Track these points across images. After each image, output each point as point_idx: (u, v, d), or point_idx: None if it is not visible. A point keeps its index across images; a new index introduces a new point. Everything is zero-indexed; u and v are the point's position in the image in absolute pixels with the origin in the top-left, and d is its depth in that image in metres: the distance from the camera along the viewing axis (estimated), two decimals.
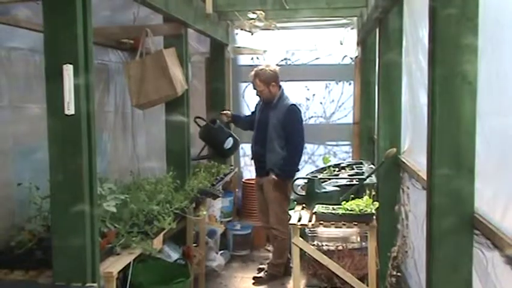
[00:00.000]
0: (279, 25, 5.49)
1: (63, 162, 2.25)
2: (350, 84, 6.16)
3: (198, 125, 4.98)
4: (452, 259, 1.98)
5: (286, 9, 4.93)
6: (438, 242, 1.99)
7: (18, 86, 3.14)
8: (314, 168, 5.26)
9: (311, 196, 3.65)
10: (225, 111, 5.27)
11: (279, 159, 4.71)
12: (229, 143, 4.97)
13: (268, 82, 4.76)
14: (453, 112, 1.95)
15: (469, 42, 1.92)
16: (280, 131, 4.72)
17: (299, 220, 3.46)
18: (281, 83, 4.87)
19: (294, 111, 4.78)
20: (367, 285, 3.45)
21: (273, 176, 4.70)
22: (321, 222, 3.39)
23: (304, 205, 3.76)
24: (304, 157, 6.32)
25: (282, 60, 6.31)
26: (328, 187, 3.70)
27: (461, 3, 1.92)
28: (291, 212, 3.67)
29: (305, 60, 6.27)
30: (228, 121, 5.19)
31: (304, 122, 4.92)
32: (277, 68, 4.85)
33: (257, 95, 4.93)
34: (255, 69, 4.85)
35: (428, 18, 2.05)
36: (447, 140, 1.97)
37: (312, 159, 6.35)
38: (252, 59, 6.34)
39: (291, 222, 3.46)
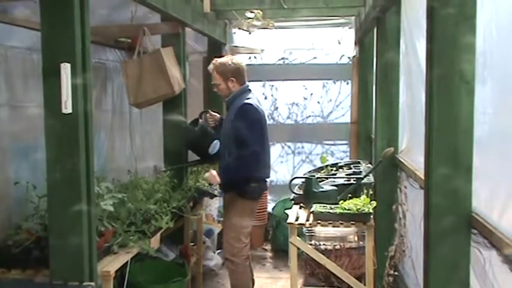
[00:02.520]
0: (276, 24, 5.48)
1: (61, 161, 2.25)
2: (348, 83, 6.16)
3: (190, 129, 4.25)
4: (450, 258, 1.98)
5: (284, 8, 4.92)
6: (436, 242, 1.99)
7: (15, 84, 3.13)
8: (311, 168, 5.27)
9: (308, 195, 3.64)
10: (213, 113, 4.29)
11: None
12: (215, 147, 4.13)
13: (226, 76, 3.90)
14: (451, 111, 1.95)
15: (467, 42, 1.92)
16: (231, 136, 3.80)
17: (296, 219, 3.46)
18: (247, 83, 3.98)
19: (244, 111, 3.77)
20: (365, 285, 3.45)
21: (236, 198, 3.86)
22: (319, 221, 3.39)
23: (301, 204, 3.76)
24: (301, 156, 6.38)
25: (280, 60, 6.32)
26: (326, 186, 3.70)
27: (460, 2, 1.92)
28: (288, 212, 3.66)
29: (303, 60, 6.27)
30: (214, 125, 4.23)
31: (260, 125, 3.85)
32: (243, 63, 4.02)
33: (214, 90, 4.06)
34: (215, 59, 4.05)
35: (427, 17, 2.05)
36: (445, 139, 1.97)
37: (310, 158, 6.36)
38: (249, 58, 6.34)
39: (288, 221, 3.45)
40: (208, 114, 4.30)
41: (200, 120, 4.26)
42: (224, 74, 3.92)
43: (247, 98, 3.85)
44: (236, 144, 3.75)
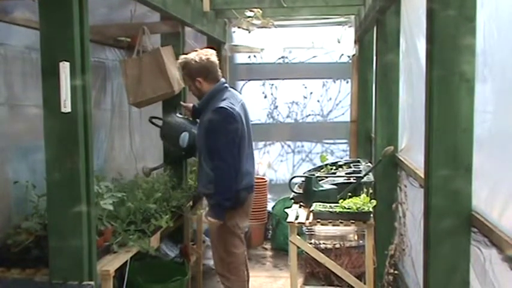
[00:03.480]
0: (276, 23, 5.49)
1: (60, 160, 2.25)
2: (347, 82, 6.17)
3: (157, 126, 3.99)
4: (450, 258, 1.98)
5: (284, 7, 4.91)
6: (436, 241, 1.99)
7: (14, 83, 3.13)
8: (311, 167, 5.27)
9: (308, 194, 3.64)
10: (185, 104, 3.96)
11: (207, 183, 3.47)
12: (184, 140, 3.76)
13: (192, 77, 3.50)
14: (451, 111, 1.95)
15: (467, 43, 1.92)
16: (203, 143, 3.47)
17: (296, 218, 3.46)
18: (222, 79, 3.58)
19: (218, 114, 3.37)
20: (365, 283, 3.45)
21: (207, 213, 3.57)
22: (318, 220, 3.38)
23: (301, 203, 3.76)
24: (301, 155, 6.38)
25: (280, 59, 6.32)
26: (326, 185, 3.69)
27: (459, 4, 1.92)
28: (288, 210, 3.65)
29: (302, 58, 6.27)
30: (188, 116, 3.91)
31: (235, 131, 3.38)
32: (211, 57, 3.53)
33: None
34: (181, 57, 3.61)
35: (426, 19, 2.05)
36: (445, 138, 1.97)
37: (309, 157, 6.36)
38: (249, 57, 6.35)
39: (288, 220, 3.44)
40: (182, 107, 3.98)
41: (174, 114, 3.93)
42: (189, 75, 3.52)
43: (223, 99, 3.42)
44: (208, 153, 3.44)
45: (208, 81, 3.51)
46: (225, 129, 3.37)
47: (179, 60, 3.60)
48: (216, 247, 3.63)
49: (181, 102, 4.01)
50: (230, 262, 3.59)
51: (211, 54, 3.54)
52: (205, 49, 3.64)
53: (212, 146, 3.40)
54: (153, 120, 3.97)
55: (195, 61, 3.48)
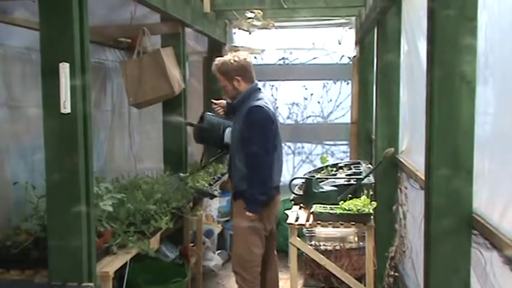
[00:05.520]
0: (277, 24, 5.48)
1: (60, 161, 2.24)
2: (348, 83, 6.16)
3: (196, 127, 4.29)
4: (451, 260, 1.97)
5: (285, 8, 4.91)
6: (436, 243, 1.98)
7: (14, 84, 3.12)
8: (312, 168, 5.26)
9: (309, 196, 3.64)
10: (218, 101, 4.02)
11: (241, 180, 3.57)
12: (228, 135, 3.93)
13: (230, 76, 3.60)
14: (452, 112, 1.94)
15: (468, 43, 1.91)
16: (240, 142, 3.58)
17: (296, 220, 3.45)
18: (256, 81, 3.69)
19: (253, 113, 3.49)
20: (365, 286, 3.44)
21: (244, 206, 3.53)
22: (319, 222, 3.38)
23: (301, 205, 3.75)
24: (301, 157, 6.37)
25: (280, 60, 6.32)
26: (326, 187, 3.69)
27: (460, 4, 1.91)
28: (288, 212, 3.64)
29: (303, 60, 6.27)
30: (223, 112, 4.01)
31: (270, 130, 3.51)
32: (248, 59, 3.69)
33: (223, 93, 3.95)
34: (217, 58, 3.77)
35: (427, 19, 2.04)
36: (445, 140, 1.96)
37: (310, 158, 6.36)
38: None
39: (288, 221, 3.44)
40: (213, 104, 4.02)
41: (207, 113, 4.14)
42: (227, 74, 3.62)
43: (257, 99, 3.55)
44: (243, 150, 3.53)
45: (246, 80, 3.63)
46: (262, 127, 3.50)
47: (215, 62, 3.71)
48: (237, 244, 3.67)
49: (213, 100, 4.08)
50: (248, 261, 3.58)
51: (247, 55, 3.73)
52: (239, 52, 3.84)
53: (249, 143, 3.49)
54: (188, 123, 4.23)
55: (234, 60, 3.62)
